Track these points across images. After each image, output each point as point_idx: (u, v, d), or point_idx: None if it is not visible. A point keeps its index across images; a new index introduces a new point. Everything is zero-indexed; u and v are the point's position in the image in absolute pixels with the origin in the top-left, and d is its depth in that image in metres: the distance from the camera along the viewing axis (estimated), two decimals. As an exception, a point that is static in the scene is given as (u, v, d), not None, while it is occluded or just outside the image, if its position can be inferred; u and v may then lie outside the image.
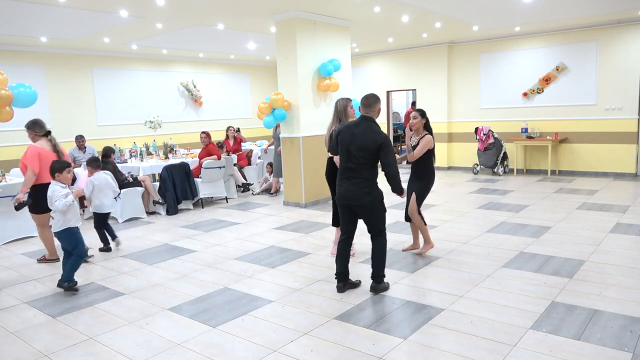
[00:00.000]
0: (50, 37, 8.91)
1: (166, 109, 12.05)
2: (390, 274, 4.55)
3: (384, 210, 4.14)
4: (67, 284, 4.41)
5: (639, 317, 3.48)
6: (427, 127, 4.98)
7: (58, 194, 4.33)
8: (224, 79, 13.49)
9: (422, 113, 4.97)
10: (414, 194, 5.03)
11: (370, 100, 4.03)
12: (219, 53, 12.24)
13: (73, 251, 4.43)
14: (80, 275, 4.89)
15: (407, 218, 5.19)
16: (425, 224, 5.15)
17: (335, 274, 4.24)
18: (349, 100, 4.96)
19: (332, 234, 5.91)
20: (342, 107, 4.89)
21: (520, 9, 8.16)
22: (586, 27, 9.79)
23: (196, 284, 4.53)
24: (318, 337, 3.38)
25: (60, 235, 4.45)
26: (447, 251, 5.22)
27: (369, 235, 4.19)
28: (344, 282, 4.22)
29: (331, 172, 4.90)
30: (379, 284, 4.17)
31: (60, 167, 4.43)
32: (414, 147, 4.97)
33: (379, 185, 4.09)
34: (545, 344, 3.15)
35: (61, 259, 4.62)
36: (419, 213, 5.09)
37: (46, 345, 3.41)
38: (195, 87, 12.65)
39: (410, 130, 5.09)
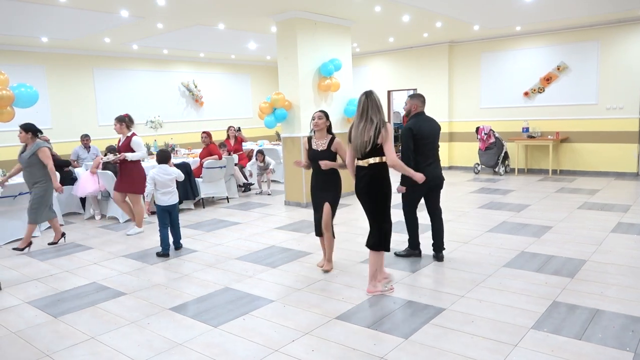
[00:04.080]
0: (51, 37, 8.92)
1: (167, 109, 12.06)
2: (390, 274, 4.55)
3: None
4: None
5: (641, 317, 3.48)
6: (330, 130, 4.64)
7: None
8: (224, 79, 13.50)
9: (327, 114, 4.63)
10: (327, 204, 4.59)
11: (424, 98, 4.89)
12: (220, 53, 12.24)
13: (177, 218, 5.61)
14: (82, 275, 4.92)
15: (320, 232, 4.67)
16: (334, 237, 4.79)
17: (413, 244, 5.09)
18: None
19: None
20: (378, 100, 3.93)
21: (521, 9, 8.15)
22: (587, 27, 9.78)
23: (197, 284, 4.54)
24: (319, 336, 3.38)
25: (176, 206, 5.55)
26: (448, 251, 5.20)
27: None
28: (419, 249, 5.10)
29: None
30: (443, 251, 4.98)
31: (169, 155, 5.72)
32: (322, 152, 4.54)
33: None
34: (546, 343, 3.15)
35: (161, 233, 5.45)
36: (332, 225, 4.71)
37: (47, 345, 3.41)
38: (196, 87, 12.66)
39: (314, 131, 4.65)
